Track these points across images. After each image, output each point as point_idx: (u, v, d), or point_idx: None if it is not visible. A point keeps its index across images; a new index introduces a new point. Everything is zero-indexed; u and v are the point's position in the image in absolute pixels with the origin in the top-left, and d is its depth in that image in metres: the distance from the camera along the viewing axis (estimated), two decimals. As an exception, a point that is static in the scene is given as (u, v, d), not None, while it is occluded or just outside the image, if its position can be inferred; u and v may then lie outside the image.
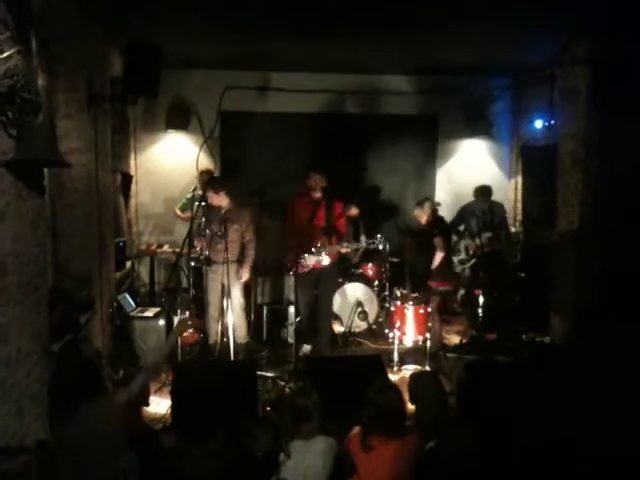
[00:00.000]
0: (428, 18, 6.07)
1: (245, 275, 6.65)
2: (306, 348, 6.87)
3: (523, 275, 8.08)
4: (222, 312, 6.61)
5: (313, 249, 6.56)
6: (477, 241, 7.50)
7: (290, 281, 7.52)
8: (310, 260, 6.59)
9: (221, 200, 6.52)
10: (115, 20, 5.99)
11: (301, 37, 6.82)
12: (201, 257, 6.56)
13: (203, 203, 6.65)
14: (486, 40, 6.89)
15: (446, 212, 8.70)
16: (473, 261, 7.61)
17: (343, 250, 6.94)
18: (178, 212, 8.38)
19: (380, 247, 7.37)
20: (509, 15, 5.86)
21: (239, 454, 3.79)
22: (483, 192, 8.06)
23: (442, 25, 6.31)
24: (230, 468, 3.73)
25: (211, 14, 5.95)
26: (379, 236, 6.86)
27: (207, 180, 7.33)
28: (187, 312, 6.98)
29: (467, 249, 7.88)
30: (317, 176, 6.59)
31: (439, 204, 7.78)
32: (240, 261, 6.63)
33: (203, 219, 6.45)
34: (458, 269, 8.95)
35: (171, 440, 4.06)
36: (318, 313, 6.85)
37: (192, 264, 6.76)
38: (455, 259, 8.41)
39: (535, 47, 6.97)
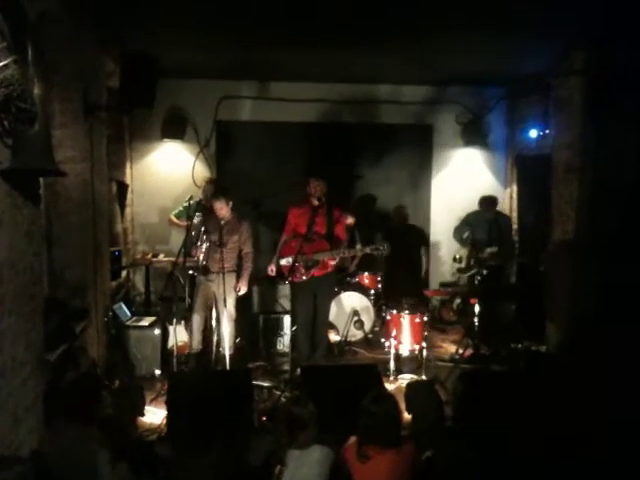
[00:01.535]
0: (425, 29, 6.11)
1: (244, 288, 6.66)
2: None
3: (516, 282, 8.10)
4: (217, 321, 6.62)
5: (309, 258, 6.54)
6: (480, 254, 7.48)
7: (285, 290, 7.51)
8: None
9: (227, 210, 6.54)
10: (111, 30, 6.01)
11: (298, 47, 6.84)
12: (199, 265, 6.54)
13: (199, 213, 6.65)
14: (483, 51, 6.92)
15: (440, 221, 8.74)
16: (472, 272, 7.61)
17: (346, 254, 6.88)
18: (173, 218, 8.32)
19: (384, 253, 7.39)
20: (507, 26, 5.89)
21: (235, 465, 3.77)
22: (487, 202, 8.05)
23: (439, 36, 6.36)
24: (226, 479, 3.72)
25: (208, 24, 5.97)
26: (385, 245, 6.83)
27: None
28: (182, 321, 6.99)
29: (469, 259, 7.88)
30: (317, 182, 6.52)
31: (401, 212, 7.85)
32: (236, 272, 6.65)
33: (202, 228, 6.43)
34: (455, 277, 9.00)
35: (166, 450, 4.04)
36: (315, 322, 6.82)
37: (190, 272, 6.74)
38: (455, 266, 8.45)
39: (531, 57, 7.00)
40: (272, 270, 6.78)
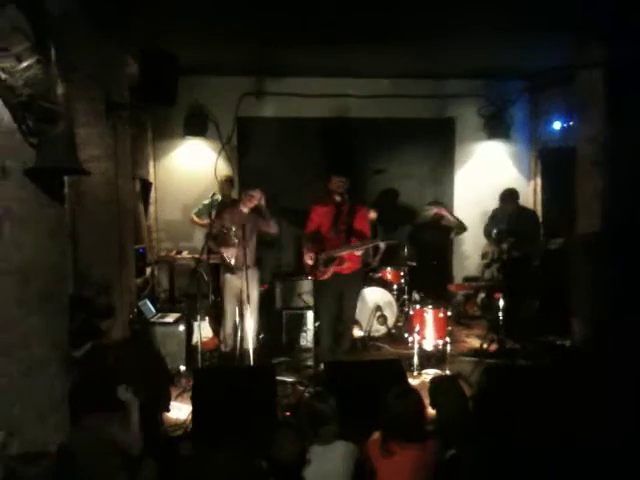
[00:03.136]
0: (447, 24, 6.11)
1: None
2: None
3: (542, 277, 8.02)
4: (240, 317, 6.64)
5: (327, 255, 6.49)
6: (502, 246, 7.42)
7: (308, 286, 7.52)
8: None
9: (251, 206, 6.60)
10: (131, 29, 6.04)
11: (317, 42, 6.85)
12: (231, 265, 6.56)
13: (218, 209, 6.68)
14: (504, 44, 6.90)
15: (464, 215, 8.66)
16: (496, 265, 7.56)
17: (360, 247, 6.58)
18: (195, 218, 8.39)
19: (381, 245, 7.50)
20: (528, 19, 5.85)
21: (261, 460, 3.78)
22: (506, 196, 7.98)
23: (460, 31, 6.33)
24: (251, 476, 3.73)
25: (227, 21, 6.00)
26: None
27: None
28: (207, 318, 7.03)
29: (493, 253, 7.85)
30: (339, 179, 6.46)
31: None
32: (257, 265, 6.77)
33: (234, 228, 6.42)
34: (481, 272, 8.94)
35: (188, 449, 4.06)
36: (341, 319, 6.78)
37: (227, 275, 6.73)
38: (482, 262, 8.42)
39: (553, 50, 6.93)
40: (311, 257, 6.54)
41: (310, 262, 6.54)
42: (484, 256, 8.41)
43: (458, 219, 8.09)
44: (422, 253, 8.24)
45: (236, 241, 6.42)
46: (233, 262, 6.51)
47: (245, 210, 6.58)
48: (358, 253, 6.59)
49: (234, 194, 8.29)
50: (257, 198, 6.58)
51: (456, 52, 7.21)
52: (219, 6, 5.48)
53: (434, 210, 8.11)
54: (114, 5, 5.30)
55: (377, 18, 5.85)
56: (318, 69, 8.33)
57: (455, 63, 7.87)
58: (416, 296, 7.58)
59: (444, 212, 8.10)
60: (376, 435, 3.70)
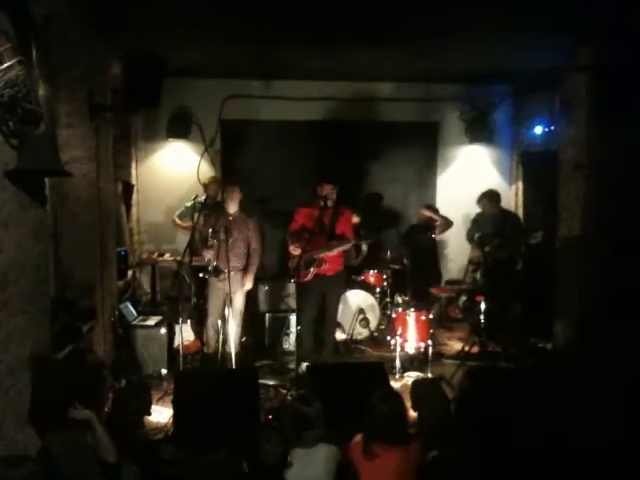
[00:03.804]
0: (431, 27, 6.12)
1: (249, 284, 6.67)
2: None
3: (525, 280, 8.07)
4: (223, 320, 6.61)
5: (309, 257, 6.48)
6: (485, 249, 7.45)
7: (291, 288, 7.51)
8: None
9: (236, 202, 6.56)
10: (116, 31, 6.01)
11: (303, 45, 6.84)
12: (210, 268, 6.54)
13: (204, 212, 6.66)
14: (489, 47, 6.91)
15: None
16: (481, 269, 7.59)
17: (340, 248, 6.64)
18: (177, 220, 8.34)
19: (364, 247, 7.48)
20: (513, 22, 5.88)
21: (243, 464, 3.77)
22: (485, 197, 8.01)
23: (445, 34, 6.35)
24: (235, 478, 3.72)
25: (212, 23, 5.98)
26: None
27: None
28: (189, 320, 7.00)
29: (479, 258, 7.87)
30: (329, 186, 6.49)
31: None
32: (245, 269, 6.69)
33: (210, 230, 6.40)
34: (467, 277, 8.98)
35: (170, 452, 4.05)
36: (324, 320, 6.80)
37: (201, 275, 6.73)
38: (470, 268, 8.45)
39: (538, 53, 6.96)
40: (296, 247, 6.49)
41: (295, 252, 6.49)
42: (471, 261, 8.46)
43: (443, 216, 8.12)
44: (416, 254, 8.24)
45: (216, 244, 6.40)
46: (213, 264, 6.48)
47: (232, 211, 6.56)
48: (335, 253, 6.61)
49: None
50: (237, 191, 6.60)
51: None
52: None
53: (424, 212, 8.15)
54: (108, 7, 5.26)
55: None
56: (303, 72, 8.31)
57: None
58: (398, 299, 7.61)
59: (433, 215, 8.12)
60: (358, 438, 3.71)
